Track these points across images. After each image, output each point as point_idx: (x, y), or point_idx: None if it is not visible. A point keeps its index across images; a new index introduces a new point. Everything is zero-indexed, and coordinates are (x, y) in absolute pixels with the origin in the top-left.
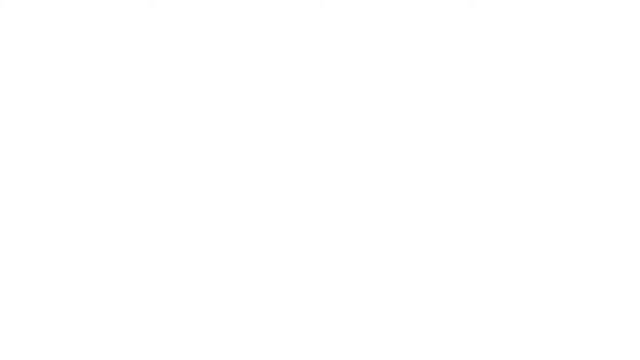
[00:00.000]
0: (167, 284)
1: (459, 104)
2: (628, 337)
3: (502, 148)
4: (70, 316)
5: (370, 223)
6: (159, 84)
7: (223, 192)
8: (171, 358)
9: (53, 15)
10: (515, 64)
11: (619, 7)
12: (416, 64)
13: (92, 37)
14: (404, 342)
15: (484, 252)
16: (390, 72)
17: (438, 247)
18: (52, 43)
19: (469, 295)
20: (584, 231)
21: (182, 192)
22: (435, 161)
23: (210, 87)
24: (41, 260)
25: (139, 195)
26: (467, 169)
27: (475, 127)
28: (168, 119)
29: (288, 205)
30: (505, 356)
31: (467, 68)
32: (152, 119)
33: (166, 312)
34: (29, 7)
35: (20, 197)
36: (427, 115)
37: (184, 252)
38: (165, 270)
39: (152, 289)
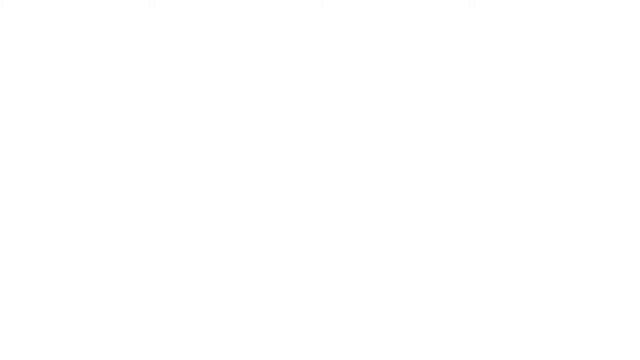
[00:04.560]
0: (167, 283)
1: (459, 103)
2: (628, 337)
3: (502, 147)
4: (70, 316)
5: (371, 222)
6: (159, 83)
7: (223, 191)
8: (171, 358)
9: (53, 15)
10: (515, 64)
11: (619, 7)
12: (416, 63)
13: (92, 37)
14: (403, 342)
15: (484, 251)
16: (390, 72)
17: (438, 246)
18: (52, 43)
19: (469, 295)
20: (584, 231)
21: (182, 192)
22: (435, 161)
23: (210, 87)
24: (41, 260)
25: (139, 195)
26: (467, 169)
27: (475, 126)
28: (168, 118)
29: (288, 204)
30: (505, 356)
31: (467, 68)
32: (152, 118)
33: (166, 312)
34: (29, 7)
35: (21, 197)
36: (427, 114)
37: (184, 251)
38: (165, 270)
39: (152, 288)
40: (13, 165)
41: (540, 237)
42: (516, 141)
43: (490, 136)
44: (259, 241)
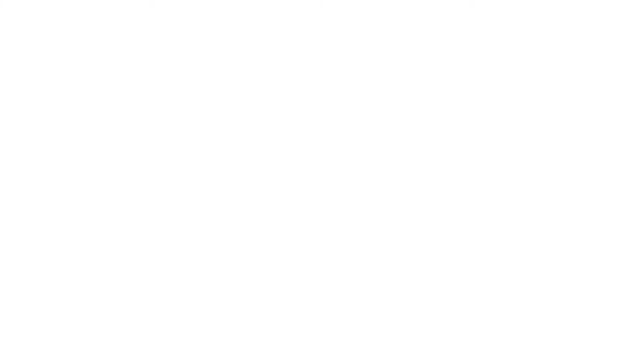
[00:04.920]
0: (167, 284)
1: (459, 103)
2: (628, 337)
3: (502, 148)
4: (70, 316)
5: (371, 223)
6: (159, 83)
7: (223, 192)
8: (171, 358)
9: (53, 15)
10: (515, 64)
11: (619, 7)
12: (416, 64)
13: (92, 37)
14: (403, 342)
15: (484, 251)
16: (390, 72)
17: (438, 247)
18: (52, 43)
19: (469, 295)
20: (584, 231)
21: (182, 192)
22: (435, 161)
23: (210, 87)
24: (41, 260)
25: (139, 195)
26: (467, 169)
27: (475, 126)
28: (168, 118)
29: (288, 204)
30: (505, 356)
31: (467, 68)
32: (152, 118)
33: (166, 312)
34: (29, 7)
35: (20, 197)
36: (427, 115)
37: (184, 251)
38: (165, 270)
39: (152, 288)
40: (13, 164)
41: (540, 236)
42: (516, 141)
43: (489, 136)
44: (259, 240)
